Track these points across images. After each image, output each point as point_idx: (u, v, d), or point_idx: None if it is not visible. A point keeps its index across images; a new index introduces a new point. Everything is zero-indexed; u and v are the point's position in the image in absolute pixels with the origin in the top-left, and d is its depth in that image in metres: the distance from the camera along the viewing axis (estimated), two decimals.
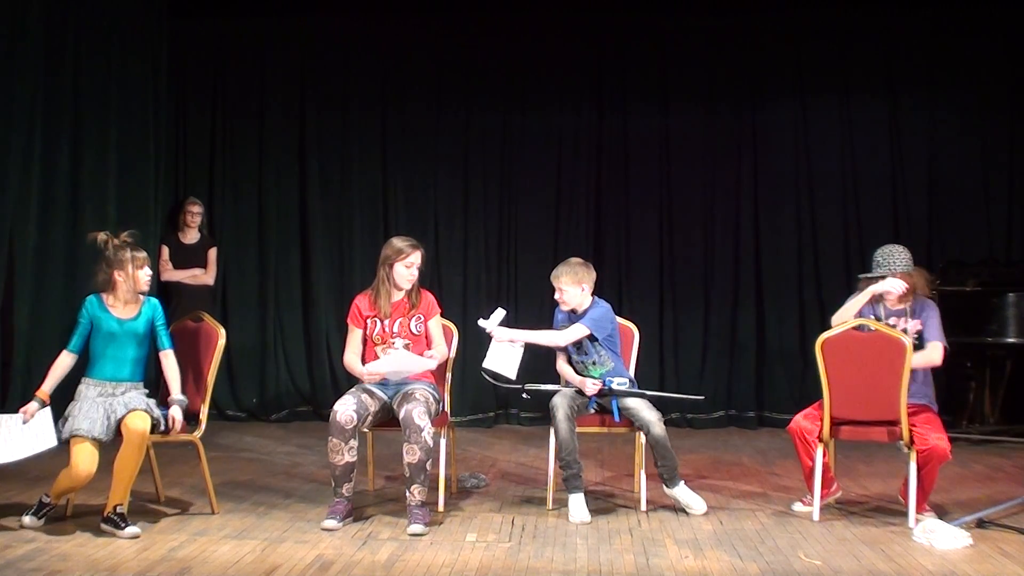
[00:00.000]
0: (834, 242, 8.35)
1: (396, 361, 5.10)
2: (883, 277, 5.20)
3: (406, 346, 5.19)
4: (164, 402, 5.09)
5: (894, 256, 5.24)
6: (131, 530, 4.65)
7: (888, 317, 5.23)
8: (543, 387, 5.51)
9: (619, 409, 5.27)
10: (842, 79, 8.43)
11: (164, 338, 5.04)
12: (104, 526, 4.68)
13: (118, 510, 4.68)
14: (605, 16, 8.44)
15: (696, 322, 8.44)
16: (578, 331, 5.34)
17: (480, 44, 8.55)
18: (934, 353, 5.14)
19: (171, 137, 8.40)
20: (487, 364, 5.35)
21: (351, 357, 5.26)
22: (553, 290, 5.42)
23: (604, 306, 5.43)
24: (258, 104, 8.59)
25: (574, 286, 5.36)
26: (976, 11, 8.25)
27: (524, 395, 5.51)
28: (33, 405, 4.82)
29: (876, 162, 8.41)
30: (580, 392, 5.32)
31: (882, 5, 8.30)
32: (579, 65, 8.57)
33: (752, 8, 8.39)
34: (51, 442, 4.79)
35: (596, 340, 5.36)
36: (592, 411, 5.36)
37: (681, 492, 5.25)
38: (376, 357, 5.19)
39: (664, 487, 5.27)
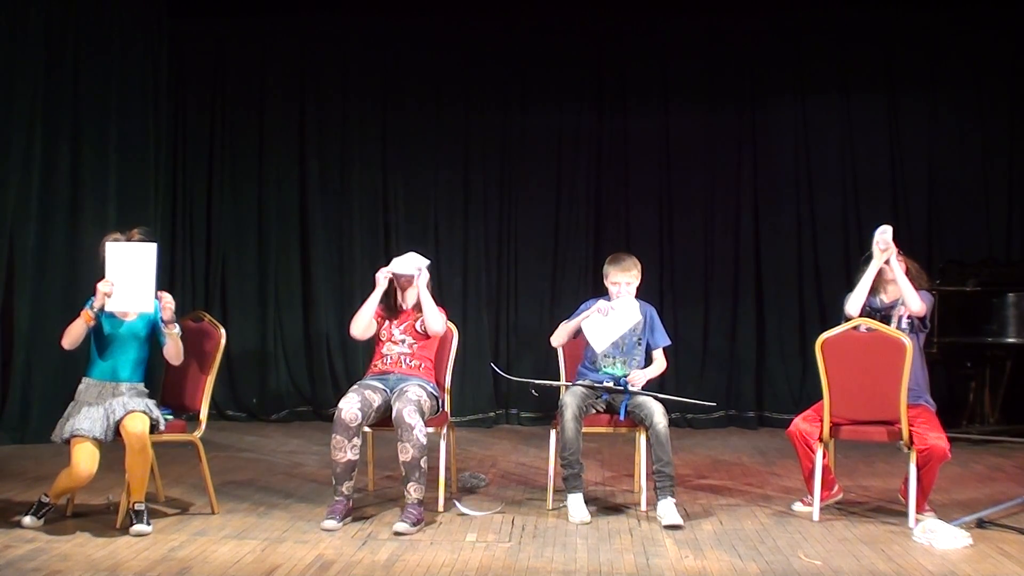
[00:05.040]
0: (834, 242, 8.35)
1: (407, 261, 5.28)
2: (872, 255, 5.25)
3: (410, 345, 5.28)
4: (164, 402, 5.11)
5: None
6: (138, 527, 4.67)
7: (883, 308, 5.25)
8: (552, 383, 5.51)
9: (626, 407, 5.21)
10: (842, 78, 8.43)
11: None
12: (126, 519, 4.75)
13: (136, 507, 4.72)
14: (605, 16, 8.43)
15: (696, 322, 8.43)
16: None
17: (480, 44, 8.55)
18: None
19: (171, 137, 8.40)
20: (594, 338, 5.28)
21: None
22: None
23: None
24: (258, 104, 8.59)
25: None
26: (976, 11, 8.25)
27: (533, 392, 5.50)
28: None
29: (876, 161, 8.41)
30: (591, 388, 5.23)
31: (882, 5, 8.29)
32: (579, 65, 8.57)
33: (752, 8, 8.38)
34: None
35: (642, 341, 5.40)
36: (598, 411, 5.30)
37: (668, 507, 4.98)
38: (383, 356, 5.30)
39: (656, 494, 5.03)
